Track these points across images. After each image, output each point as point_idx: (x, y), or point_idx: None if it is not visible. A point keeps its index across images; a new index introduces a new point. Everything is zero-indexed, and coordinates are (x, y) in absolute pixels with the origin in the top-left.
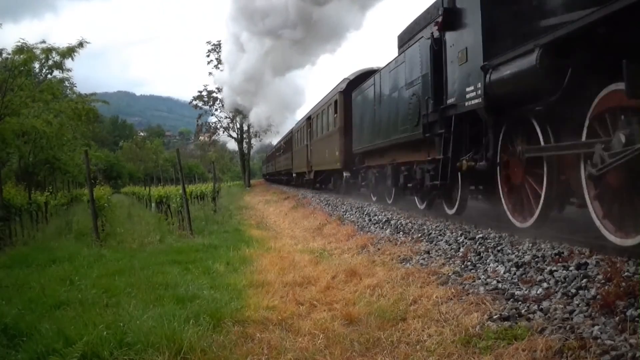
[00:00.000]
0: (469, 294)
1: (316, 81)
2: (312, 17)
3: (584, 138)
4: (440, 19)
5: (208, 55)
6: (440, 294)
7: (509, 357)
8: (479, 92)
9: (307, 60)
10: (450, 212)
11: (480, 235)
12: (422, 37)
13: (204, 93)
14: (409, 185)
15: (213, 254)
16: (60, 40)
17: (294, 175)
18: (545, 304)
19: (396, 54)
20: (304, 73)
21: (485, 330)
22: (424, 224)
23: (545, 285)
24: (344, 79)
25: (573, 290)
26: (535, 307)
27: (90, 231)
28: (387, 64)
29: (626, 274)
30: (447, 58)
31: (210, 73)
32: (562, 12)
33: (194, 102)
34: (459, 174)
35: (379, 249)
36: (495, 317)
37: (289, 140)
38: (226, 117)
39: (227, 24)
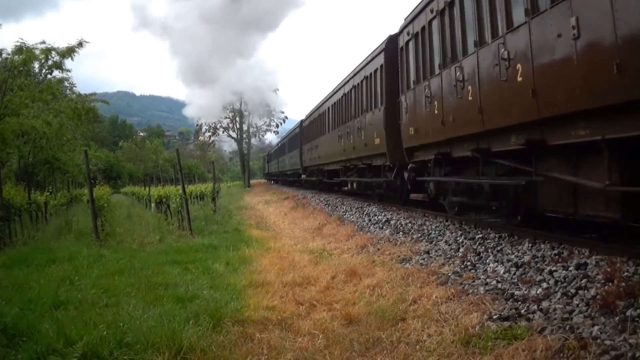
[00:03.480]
0: (468, 294)
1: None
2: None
3: None
4: None
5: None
6: (440, 294)
7: (509, 357)
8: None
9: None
10: None
11: (480, 235)
12: None
13: None
14: None
15: (213, 254)
16: (62, 39)
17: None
18: (545, 304)
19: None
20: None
21: (485, 330)
22: (423, 224)
23: (545, 285)
24: None
25: (573, 290)
26: (535, 307)
27: (90, 231)
28: None
29: (626, 274)
30: None
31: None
32: None
33: None
34: None
35: (378, 249)
36: (495, 317)
37: (325, 112)
38: (226, 117)
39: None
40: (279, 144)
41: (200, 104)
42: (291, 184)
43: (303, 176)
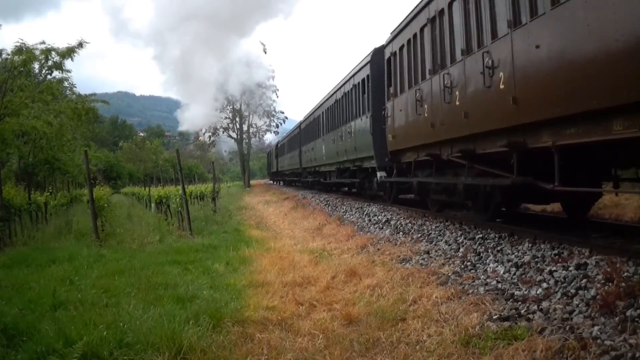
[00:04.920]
0: (468, 294)
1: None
2: None
3: None
4: None
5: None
6: (440, 294)
7: (509, 357)
8: None
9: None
10: None
11: (480, 235)
12: None
13: None
14: None
15: (213, 254)
16: (63, 39)
17: None
18: (545, 304)
19: None
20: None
21: (485, 330)
22: (423, 224)
23: (545, 285)
24: None
25: (573, 291)
26: (535, 307)
27: (90, 231)
28: None
29: (626, 274)
30: None
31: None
32: None
33: None
34: None
35: (378, 249)
36: (495, 317)
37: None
38: (226, 118)
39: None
40: (302, 125)
41: (193, 123)
42: (326, 189)
43: (381, 175)
